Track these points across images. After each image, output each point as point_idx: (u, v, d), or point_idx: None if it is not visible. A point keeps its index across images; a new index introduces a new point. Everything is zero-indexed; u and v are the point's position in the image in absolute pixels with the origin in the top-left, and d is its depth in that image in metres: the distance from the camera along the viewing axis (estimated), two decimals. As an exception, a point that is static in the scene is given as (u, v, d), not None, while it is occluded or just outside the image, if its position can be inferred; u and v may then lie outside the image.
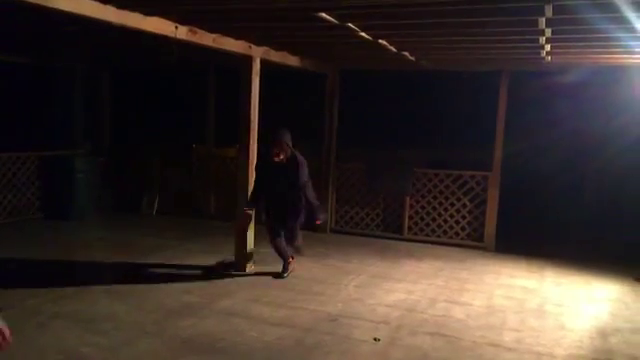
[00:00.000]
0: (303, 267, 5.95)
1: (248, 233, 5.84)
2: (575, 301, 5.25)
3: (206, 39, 5.01)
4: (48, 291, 4.93)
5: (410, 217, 7.76)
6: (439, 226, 7.63)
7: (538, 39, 4.78)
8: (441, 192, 7.59)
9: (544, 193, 8.14)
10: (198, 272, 5.82)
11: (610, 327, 4.56)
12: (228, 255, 6.01)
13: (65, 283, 5.16)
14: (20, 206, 8.04)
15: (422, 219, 7.71)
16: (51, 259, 6.08)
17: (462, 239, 7.50)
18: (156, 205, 8.93)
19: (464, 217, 7.49)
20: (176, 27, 4.55)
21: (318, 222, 5.67)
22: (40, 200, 8.31)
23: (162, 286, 5.26)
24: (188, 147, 8.97)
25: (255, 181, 5.69)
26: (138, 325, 4.23)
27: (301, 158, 5.42)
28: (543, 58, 5.82)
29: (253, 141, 5.83)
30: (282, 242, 5.63)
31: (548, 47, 5.16)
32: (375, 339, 4.11)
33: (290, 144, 5.38)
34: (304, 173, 5.42)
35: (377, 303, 4.95)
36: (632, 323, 4.66)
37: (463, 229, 7.51)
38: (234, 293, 5.11)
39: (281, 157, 5.31)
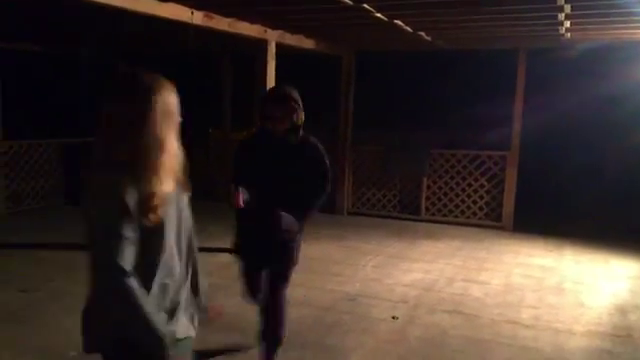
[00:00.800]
0: (321, 248, 6.02)
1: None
2: (594, 279, 5.24)
3: (222, 24, 5.04)
4: (73, 274, 5.06)
5: (427, 198, 7.76)
6: (456, 206, 7.63)
7: (557, 15, 4.72)
8: (458, 172, 7.58)
9: (563, 172, 8.09)
10: (219, 254, 5.92)
11: (629, 304, 4.55)
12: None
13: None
14: (45, 192, 8.23)
15: (439, 200, 7.72)
16: (75, 243, 6.22)
17: (480, 219, 7.50)
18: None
19: (482, 197, 7.47)
20: (192, 12, 4.59)
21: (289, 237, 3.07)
22: (65, 186, 8.49)
23: (184, 268, 5.37)
24: (205, 131, 9.06)
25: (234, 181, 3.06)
26: (162, 306, 4.34)
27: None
28: (562, 35, 5.74)
29: (270, 124, 5.86)
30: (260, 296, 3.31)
31: (567, 23, 5.09)
32: (393, 317, 4.17)
33: (301, 107, 3.01)
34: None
35: (395, 283, 5.00)
36: (652, 300, 4.66)
37: (481, 209, 7.50)
38: (254, 274, 5.20)
39: (285, 126, 2.97)
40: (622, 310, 4.41)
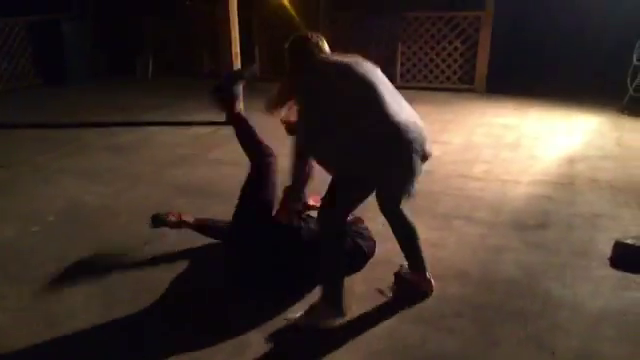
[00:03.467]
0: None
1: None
2: (552, 134, 5.45)
3: None
4: (52, 150, 5.27)
5: (402, 64, 7.73)
6: (431, 71, 7.63)
7: None
8: (433, 36, 7.47)
9: (542, 32, 7.93)
10: (192, 127, 6.08)
11: (580, 155, 4.79)
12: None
13: (67, 142, 5.49)
14: (17, 73, 8.16)
15: (414, 65, 7.70)
16: (52, 122, 6.34)
17: (454, 83, 7.55)
18: (151, 66, 8.96)
19: (456, 60, 7.45)
20: None
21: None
22: (35, 66, 8.39)
23: (158, 141, 5.57)
24: (180, 3, 8.74)
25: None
26: (136, 175, 4.58)
27: None
28: None
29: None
30: None
31: None
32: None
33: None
34: None
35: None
36: (602, 151, 4.88)
37: (455, 73, 7.52)
38: (224, 145, 5.37)
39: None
40: (571, 161, 4.65)
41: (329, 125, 2.29)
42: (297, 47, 2.58)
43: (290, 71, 2.61)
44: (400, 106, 2.35)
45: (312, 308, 2.47)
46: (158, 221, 3.09)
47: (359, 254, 2.87)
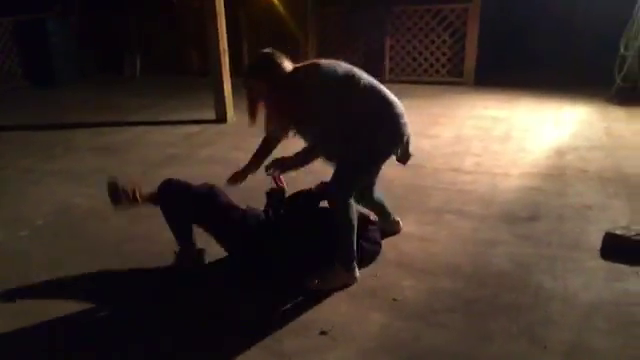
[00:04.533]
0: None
1: (225, 85, 5.93)
2: (541, 125, 5.47)
3: None
4: (39, 152, 5.22)
5: (391, 58, 7.72)
6: (419, 65, 7.63)
7: None
8: (421, 29, 7.47)
9: (530, 22, 7.95)
10: (182, 126, 6.04)
11: (569, 146, 4.80)
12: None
13: (55, 144, 5.43)
14: (3, 74, 8.06)
15: (402, 59, 7.69)
16: (39, 123, 6.29)
17: (443, 76, 7.55)
18: (138, 65, 8.89)
19: (444, 53, 7.45)
20: None
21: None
22: (22, 67, 8.30)
23: (148, 141, 5.52)
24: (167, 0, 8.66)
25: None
26: (125, 176, 4.52)
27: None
28: None
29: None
30: None
31: None
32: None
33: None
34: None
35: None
36: (591, 141, 4.90)
37: (443, 66, 7.52)
38: (215, 143, 5.36)
39: None
40: (560, 152, 4.67)
41: (345, 120, 2.60)
42: (272, 61, 2.67)
43: (275, 84, 2.63)
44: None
45: (327, 273, 2.68)
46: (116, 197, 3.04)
47: (362, 257, 2.82)
